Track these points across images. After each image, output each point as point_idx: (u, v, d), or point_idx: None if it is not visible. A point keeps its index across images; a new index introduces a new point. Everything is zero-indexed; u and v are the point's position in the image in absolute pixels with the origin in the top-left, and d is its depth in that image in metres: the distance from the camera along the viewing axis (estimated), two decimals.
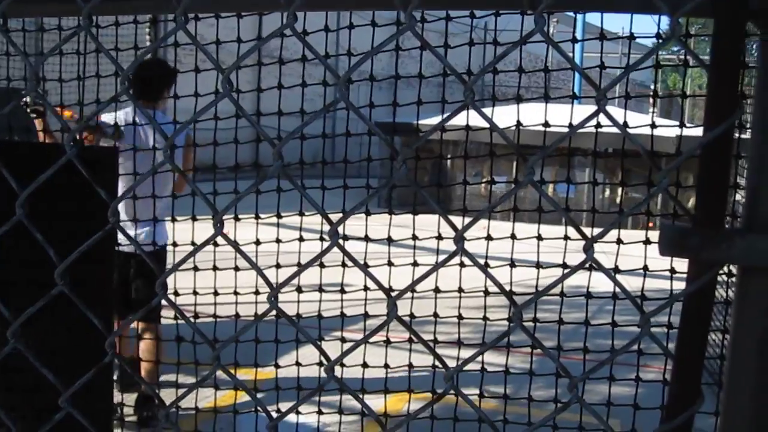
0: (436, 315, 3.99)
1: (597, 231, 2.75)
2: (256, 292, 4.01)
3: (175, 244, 4.42)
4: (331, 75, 0.93)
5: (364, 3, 0.93)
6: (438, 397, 0.89)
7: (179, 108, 4.53)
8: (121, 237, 4.66)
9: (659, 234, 0.78)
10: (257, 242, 4.01)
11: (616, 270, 3.69)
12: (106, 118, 4.75)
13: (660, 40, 5.08)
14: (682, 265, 4.02)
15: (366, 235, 3.92)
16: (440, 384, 4.06)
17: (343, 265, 4.03)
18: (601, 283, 4.09)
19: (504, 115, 4.34)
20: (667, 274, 3.64)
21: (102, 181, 1.08)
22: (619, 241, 3.82)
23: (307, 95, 4.18)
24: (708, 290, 0.80)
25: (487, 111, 4.11)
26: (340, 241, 0.84)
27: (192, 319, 4.33)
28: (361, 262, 3.72)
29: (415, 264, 3.78)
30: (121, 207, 4.59)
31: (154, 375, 4.77)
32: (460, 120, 4.32)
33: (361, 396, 3.92)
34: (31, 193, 1.60)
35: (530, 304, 0.86)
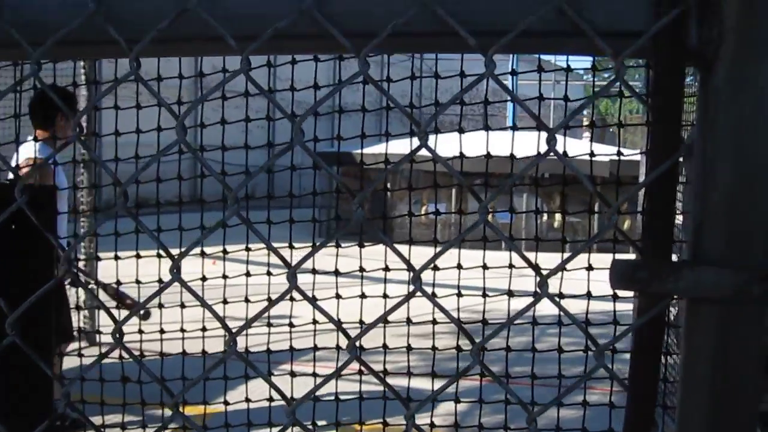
0: (385, 346, 3.99)
1: (541, 256, 2.80)
2: (203, 329, 3.97)
3: (118, 282, 4.34)
4: (277, 109, 0.94)
5: (315, 47, 0.94)
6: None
7: (121, 142, 4.46)
8: None
9: (610, 267, 0.80)
10: (203, 278, 3.96)
11: (561, 295, 3.74)
12: (25, 153, 4.68)
13: (591, 69, 5.20)
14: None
15: (313, 268, 3.91)
16: (391, 413, 4.08)
17: (291, 299, 4.02)
18: (545, 307, 4.17)
19: (445, 144, 4.41)
20: (610, 297, 3.71)
21: (43, 220, 1.07)
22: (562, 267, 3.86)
23: (246, 127, 4.18)
24: (658, 320, 0.82)
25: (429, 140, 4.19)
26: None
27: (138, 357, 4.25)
28: (309, 294, 3.70)
29: (363, 296, 3.78)
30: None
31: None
32: (400, 149, 4.37)
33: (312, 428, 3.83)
34: None
35: (499, 332, 0.88)
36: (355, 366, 3.86)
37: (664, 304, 0.82)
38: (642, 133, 5.98)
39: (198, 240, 0.91)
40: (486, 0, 0.84)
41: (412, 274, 0.82)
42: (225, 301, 3.92)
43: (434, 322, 3.80)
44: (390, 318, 3.60)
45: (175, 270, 0.87)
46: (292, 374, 3.96)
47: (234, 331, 0.87)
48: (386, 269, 3.83)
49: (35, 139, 4.62)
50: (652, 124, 0.80)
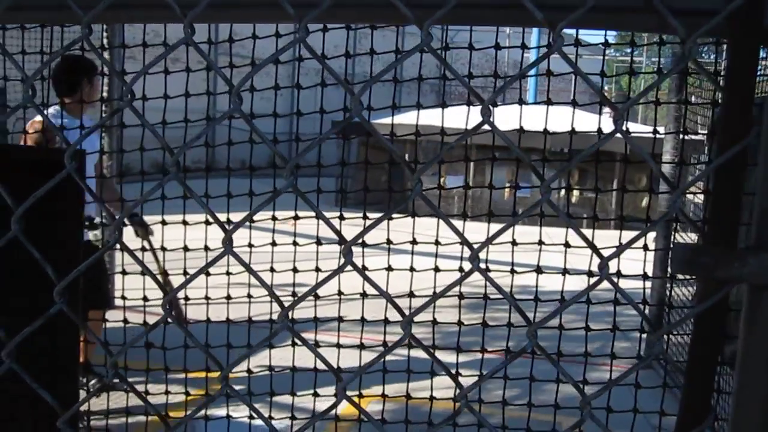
0: (386, 319, 3.97)
1: (559, 231, 2.75)
2: (229, 297, 3.96)
3: (163, 248, 4.34)
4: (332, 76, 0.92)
5: (372, 16, 0.92)
6: (392, 347, 0.89)
7: (149, 106, 4.44)
8: None
9: (672, 252, 0.79)
10: (251, 245, 3.93)
11: (565, 270, 3.72)
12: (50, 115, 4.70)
13: (605, 43, 5.12)
14: (647, 267, 4.00)
15: (341, 236, 3.89)
16: (392, 382, 4.07)
17: (317, 269, 4.01)
18: (548, 282, 4.15)
19: (458, 115, 4.37)
20: (638, 275, 3.68)
21: (72, 182, 1.06)
22: (567, 244, 3.81)
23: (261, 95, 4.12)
24: (719, 307, 0.80)
25: (446, 110, 4.14)
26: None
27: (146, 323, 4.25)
28: (313, 265, 3.63)
29: (389, 269, 3.75)
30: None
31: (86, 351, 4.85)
32: (421, 120, 4.33)
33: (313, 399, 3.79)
34: None
35: (554, 316, 0.86)
36: (378, 337, 3.85)
37: (725, 291, 0.80)
38: (666, 109, 5.90)
39: (254, 211, 0.89)
40: None
41: (469, 252, 0.81)
42: (272, 269, 3.88)
43: (461, 296, 3.77)
44: (392, 291, 3.57)
45: (228, 242, 0.85)
46: (339, 345, 3.92)
47: (286, 305, 0.86)
48: (414, 242, 3.81)
49: (61, 105, 4.67)
50: (722, 105, 0.78)
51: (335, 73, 0.88)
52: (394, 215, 3.80)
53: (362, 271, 0.85)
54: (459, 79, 0.84)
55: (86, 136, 1.02)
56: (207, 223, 4.02)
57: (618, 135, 0.83)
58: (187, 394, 4.14)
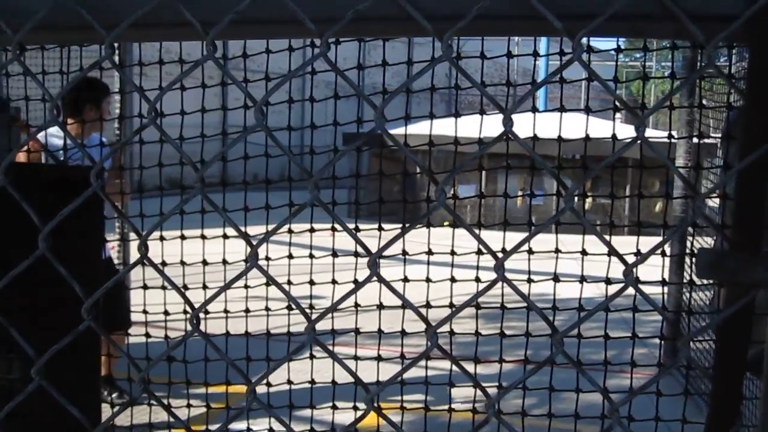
0: (403, 331, 3.97)
1: (575, 238, 2.73)
2: (226, 311, 3.98)
3: (183, 263, 4.36)
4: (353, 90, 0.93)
5: (392, 30, 0.92)
6: (418, 358, 0.89)
7: (166, 123, 4.48)
8: None
9: (696, 257, 0.79)
10: (268, 257, 3.93)
11: (583, 279, 3.70)
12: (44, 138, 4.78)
13: (617, 49, 5.10)
14: (651, 271, 4.00)
15: (356, 251, 3.90)
16: (410, 394, 4.07)
17: (334, 281, 4.02)
18: (566, 291, 4.13)
19: (470, 125, 4.37)
20: (656, 281, 3.66)
21: (93, 201, 1.07)
22: (583, 252, 3.80)
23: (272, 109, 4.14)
24: (746, 311, 0.81)
25: (453, 121, 4.14)
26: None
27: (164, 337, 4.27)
28: (329, 277, 3.63)
29: (406, 279, 3.75)
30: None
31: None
32: (431, 130, 4.33)
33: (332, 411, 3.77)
34: (18, 216, 1.57)
35: (584, 320, 0.86)
36: (395, 349, 3.83)
37: (752, 295, 0.80)
38: (677, 113, 5.87)
39: (283, 222, 0.90)
40: None
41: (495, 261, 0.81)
42: (289, 282, 3.88)
43: (478, 306, 3.76)
44: (433, 302, 3.54)
45: (254, 257, 0.86)
46: (357, 358, 3.92)
47: (313, 317, 0.86)
48: (429, 252, 3.81)
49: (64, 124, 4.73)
50: (744, 110, 0.78)
51: (356, 87, 0.88)
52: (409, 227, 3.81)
53: (388, 283, 0.86)
54: (480, 90, 0.85)
55: (109, 156, 1.03)
56: (225, 237, 4.05)
57: (623, 139, 0.83)
58: (208, 407, 4.14)
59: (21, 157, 4.58)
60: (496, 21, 0.85)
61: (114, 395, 4.99)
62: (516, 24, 0.86)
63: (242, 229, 0.98)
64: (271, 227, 3.23)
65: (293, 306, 4.08)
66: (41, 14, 0.97)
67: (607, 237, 0.89)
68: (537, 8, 0.80)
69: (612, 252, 0.88)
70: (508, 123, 0.80)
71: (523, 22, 0.85)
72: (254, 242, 0.87)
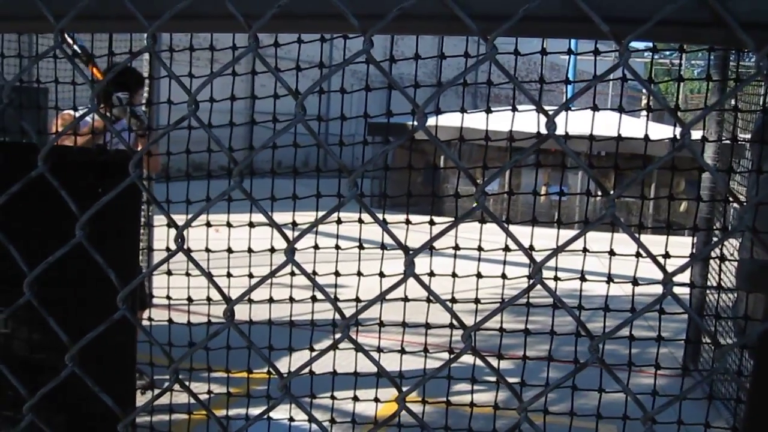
0: (427, 323, 3.97)
1: (597, 236, 2.71)
2: (250, 300, 3.98)
3: (207, 249, 4.37)
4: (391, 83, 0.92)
5: (437, 28, 0.92)
6: (454, 358, 0.89)
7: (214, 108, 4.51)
8: None
9: (737, 267, 0.78)
10: (272, 249, 3.95)
11: (610, 278, 3.69)
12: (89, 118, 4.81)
13: (653, 49, 5.07)
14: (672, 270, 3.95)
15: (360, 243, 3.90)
16: (431, 386, 4.07)
17: (336, 273, 4.02)
18: (598, 288, 4.11)
19: (498, 119, 4.36)
20: (659, 280, 3.63)
21: (134, 186, 1.07)
22: (611, 252, 3.78)
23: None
24: None
25: (482, 115, 4.13)
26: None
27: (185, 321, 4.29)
28: (355, 267, 3.63)
29: (432, 274, 3.75)
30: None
31: None
32: (455, 122, 4.30)
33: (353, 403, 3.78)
34: (52, 197, 1.57)
35: (625, 326, 0.86)
36: (419, 340, 3.83)
37: None
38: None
39: (320, 219, 0.90)
40: None
41: (533, 265, 0.81)
42: (337, 273, 3.89)
43: (502, 301, 3.76)
44: (458, 296, 3.53)
45: (291, 252, 0.86)
46: (380, 350, 3.92)
47: (347, 316, 0.86)
48: (456, 247, 3.80)
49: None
50: None
51: (398, 84, 0.88)
52: (436, 219, 3.83)
53: (425, 284, 0.85)
54: (525, 93, 0.84)
55: (152, 144, 1.03)
56: (251, 225, 4.06)
57: (657, 138, 0.82)
58: (228, 394, 4.17)
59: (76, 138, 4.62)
60: (541, 22, 0.84)
61: (139, 381, 5.02)
62: (562, 26, 0.85)
63: (271, 217, 0.98)
64: (297, 216, 3.24)
65: (317, 297, 4.06)
66: (84, 2, 0.97)
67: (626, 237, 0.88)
68: (584, 10, 0.80)
69: (652, 259, 0.87)
70: (552, 127, 0.80)
71: (569, 24, 0.84)
72: (291, 237, 0.87)
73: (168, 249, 4.72)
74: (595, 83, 0.87)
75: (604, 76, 0.83)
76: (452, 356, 0.85)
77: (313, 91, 0.86)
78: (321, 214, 3.50)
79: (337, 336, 0.90)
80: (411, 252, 0.82)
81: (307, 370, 3.80)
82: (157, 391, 4.89)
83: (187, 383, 4.18)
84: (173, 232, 0.98)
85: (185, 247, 0.93)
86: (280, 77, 0.86)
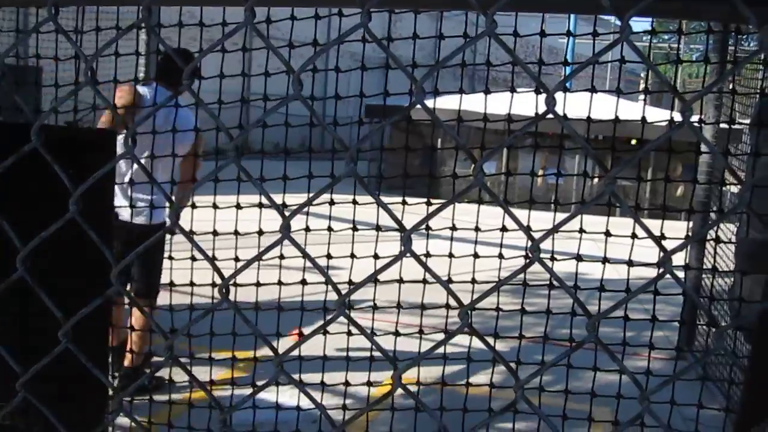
0: (423, 305, 3.97)
1: (593, 219, 2.70)
2: (257, 284, 3.98)
3: (215, 233, 4.32)
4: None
5: (435, 2, 0.91)
6: (451, 335, 0.88)
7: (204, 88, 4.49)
8: (122, 212, 4.71)
9: (736, 246, 0.78)
10: (307, 228, 3.91)
11: (606, 260, 3.69)
12: (141, 90, 4.83)
13: (652, 31, 5.04)
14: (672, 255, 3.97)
15: (354, 224, 3.88)
16: (426, 368, 4.06)
17: (328, 256, 4.00)
18: (593, 270, 4.11)
19: (497, 101, 4.34)
20: (655, 263, 3.64)
21: (98, 162, 1.06)
22: (607, 233, 3.78)
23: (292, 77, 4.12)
24: None
25: (480, 98, 4.11)
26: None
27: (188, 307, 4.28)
28: (349, 249, 3.61)
29: (428, 255, 3.74)
30: (120, 187, 4.66)
31: (146, 345, 4.89)
32: (450, 104, 4.27)
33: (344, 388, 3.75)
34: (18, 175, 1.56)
35: (620, 306, 0.85)
36: (413, 321, 3.83)
37: None
38: (703, 97, 5.80)
39: (312, 198, 0.89)
40: None
41: (530, 242, 0.80)
42: (329, 256, 3.86)
43: (499, 281, 3.75)
44: (455, 277, 3.53)
45: (287, 229, 0.85)
46: (373, 332, 3.91)
47: (344, 293, 0.86)
48: (453, 228, 3.80)
49: (156, 83, 4.83)
50: None
51: (399, 60, 0.87)
52: (433, 201, 3.82)
53: (421, 259, 0.85)
54: (526, 70, 0.83)
55: (143, 121, 1.02)
56: (260, 206, 4.02)
57: (653, 122, 0.81)
58: (233, 382, 4.16)
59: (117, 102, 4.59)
60: None
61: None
62: (568, 2, 0.84)
63: (257, 198, 0.98)
64: (288, 197, 3.22)
65: (307, 280, 4.01)
66: None
67: (625, 220, 0.88)
68: None
69: (650, 236, 0.87)
70: (551, 103, 0.79)
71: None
72: (287, 213, 0.86)
73: (215, 233, 4.67)
74: (594, 60, 0.86)
75: (603, 52, 0.82)
76: (448, 334, 0.84)
77: (310, 66, 0.85)
78: (312, 196, 3.48)
79: (332, 315, 0.89)
80: (408, 229, 0.82)
81: (296, 352, 3.82)
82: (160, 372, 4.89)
83: (188, 366, 4.20)
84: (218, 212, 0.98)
85: (186, 227, 0.92)
86: (276, 50, 0.85)
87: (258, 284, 3.98)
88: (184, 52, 4.88)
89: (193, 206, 4.00)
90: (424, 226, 3.88)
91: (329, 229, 4.07)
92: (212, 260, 0.97)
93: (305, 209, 0.94)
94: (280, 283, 3.98)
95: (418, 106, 0.87)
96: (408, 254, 0.83)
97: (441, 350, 3.73)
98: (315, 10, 3.84)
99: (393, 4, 0.72)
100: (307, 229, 3.96)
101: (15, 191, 2.44)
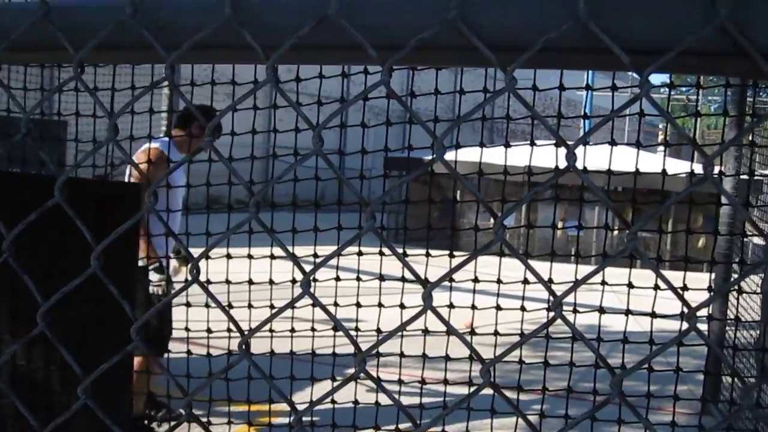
0: (447, 356, 3.95)
1: (615, 271, 2.69)
2: (271, 330, 3.99)
3: (251, 281, 4.35)
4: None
5: (456, 59, 0.91)
6: (473, 393, 0.87)
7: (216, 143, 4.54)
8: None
9: (762, 299, 0.77)
10: (314, 279, 3.94)
11: (628, 311, 3.66)
12: (160, 145, 4.90)
13: (670, 85, 5.05)
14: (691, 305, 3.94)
15: (380, 274, 3.90)
16: (450, 417, 4.02)
17: (357, 304, 4.03)
18: (615, 322, 4.08)
19: (516, 154, 4.36)
20: (677, 314, 3.61)
21: (125, 216, 1.06)
22: (630, 285, 3.76)
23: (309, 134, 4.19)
24: None
25: (499, 150, 4.13)
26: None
27: (205, 353, 4.29)
28: (376, 300, 3.65)
29: (451, 306, 3.73)
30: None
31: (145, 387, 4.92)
32: (470, 157, 4.29)
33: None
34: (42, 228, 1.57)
35: (643, 365, 0.84)
36: (438, 375, 3.80)
37: None
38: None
39: (338, 249, 0.89)
40: (643, 18, 0.80)
41: (552, 298, 0.80)
42: (336, 304, 3.89)
43: (522, 334, 3.74)
44: (478, 329, 3.51)
45: (306, 284, 0.85)
46: (400, 381, 3.90)
47: (363, 349, 0.85)
48: (475, 280, 3.79)
49: (169, 137, 4.89)
50: None
51: (418, 116, 0.87)
52: (455, 253, 3.81)
53: (442, 316, 0.84)
54: (544, 124, 0.83)
55: (171, 172, 1.03)
56: (272, 257, 4.05)
57: (674, 173, 0.81)
58: (250, 424, 4.16)
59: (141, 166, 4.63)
60: (560, 53, 0.84)
61: (156, 412, 5.00)
62: (581, 57, 0.84)
63: (289, 250, 0.98)
64: (319, 249, 3.25)
65: (339, 329, 4.07)
66: (104, 33, 0.98)
67: (647, 272, 0.87)
68: (604, 41, 0.79)
69: (672, 291, 0.86)
70: (572, 158, 0.79)
71: (589, 55, 0.83)
72: (306, 268, 0.86)
73: (250, 281, 4.72)
74: (614, 116, 0.86)
75: (623, 108, 0.82)
76: (471, 391, 0.83)
77: (330, 121, 0.86)
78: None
79: (353, 370, 0.88)
80: (429, 284, 0.81)
81: (328, 401, 3.81)
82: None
83: (204, 417, 4.18)
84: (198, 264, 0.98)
85: (201, 278, 0.92)
86: (297, 108, 0.86)
87: (272, 332, 4.00)
88: (206, 109, 4.97)
89: (208, 258, 4.02)
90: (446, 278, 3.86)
91: (358, 279, 4.12)
92: (228, 313, 0.97)
93: (312, 258, 0.94)
94: (313, 329, 4.01)
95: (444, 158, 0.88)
96: (408, 303, 0.82)
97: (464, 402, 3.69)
98: (342, 68, 3.89)
99: (412, 61, 0.73)
100: (338, 279, 4.00)
101: (45, 243, 2.47)
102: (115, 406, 2.54)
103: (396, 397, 0.90)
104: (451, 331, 0.88)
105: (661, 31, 0.79)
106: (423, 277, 0.85)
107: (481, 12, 0.84)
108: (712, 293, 3.60)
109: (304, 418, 0.90)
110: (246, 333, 0.88)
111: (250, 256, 4.10)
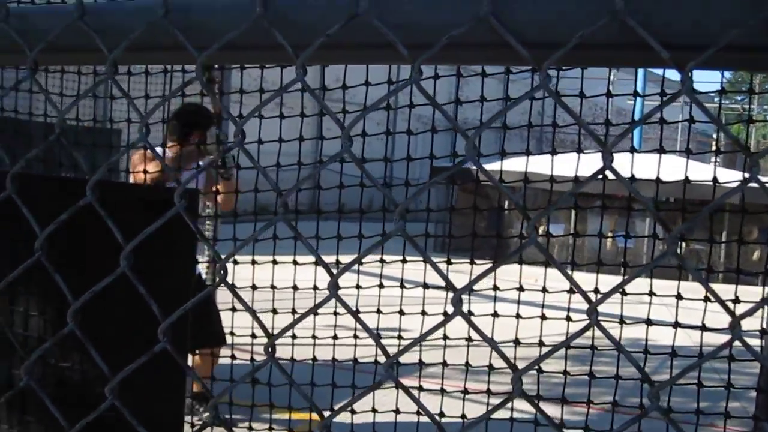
0: (490, 366, 3.90)
1: (662, 283, 2.62)
2: (314, 336, 3.99)
3: (273, 287, 4.37)
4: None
5: (488, 57, 0.89)
6: (502, 403, 0.83)
7: (264, 150, 4.57)
8: None
9: None
10: (359, 286, 3.96)
11: (677, 324, 3.57)
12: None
13: (722, 90, 4.95)
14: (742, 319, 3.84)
15: (424, 282, 3.88)
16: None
17: (401, 312, 4.00)
18: (664, 336, 3.98)
19: (564, 163, 4.29)
20: (727, 328, 3.51)
21: (184, 222, 1.06)
22: (678, 296, 3.67)
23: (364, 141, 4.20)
24: None
25: (547, 159, 4.07)
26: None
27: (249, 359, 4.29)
28: (419, 309, 3.62)
29: (495, 315, 3.69)
30: None
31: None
32: (518, 167, 4.24)
33: None
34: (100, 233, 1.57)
35: (684, 375, 0.80)
36: (482, 387, 3.76)
37: None
38: None
39: (362, 254, 0.87)
40: (684, 11, 0.77)
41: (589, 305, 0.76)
42: (379, 311, 3.87)
43: (568, 346, 3.68)
44: (522, 340, 3.46)
45: (334, 287, 0.83)
46: (443, 391, 3.88)
47: (392, 354, 0.83)
48: (520, 289, 3.75)
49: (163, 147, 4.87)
50: None
51: (451, 117, 0.85)
52: (476, 261, 3.77)
53: (471, 321, 0.81)
54: (583, 126, 0.80)
55: (197, 175, 1.02)
56: (316, 264, 4.04)
57: (725, 182, 0.77)
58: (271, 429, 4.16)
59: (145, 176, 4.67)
60: (597, 50, 0.81)
61: (206, 414, 5.04)
62: (619, 53, 0.81)
63: (334, 257, 0.96)
64: (346, 257, 3.23)
65: (361, 336, 4.02)
66: (136, 33, 0.97)
67: (695, 284, 0.83)
68: (643, 37, 0.76)
69: (719, 302, 0.82)
70: (608, 159, 0.76)
71: (627, 51, 0.80)
72: (334, 272, 0.84)
73: (273, 287, 4.72)
74: (639, 122, 0.82)
75: (664, 105, 0.79)
76: (502, 401, 0.81)
77: (356, 123, 0.84)
78: (385, 256, 3.47)
79: (385, 379, 0.86)
80: (459, 289, 0.79)
81: (369, 408, 3.78)
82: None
83: (245, 422, 4.18)
84: (235, 268, 0.97)
85: (229, 281, 0.91)
86: (326, 106, 0.84)
87: (294, 338, 4.02)
88: (197, 108, 4.97)
89: (235, 262, 4.06)
90: (491, 287, 3.84)
91: (401, 286, 4.10)
92: (255, 314, 0.96)
93: (362, 267, 0.92)
94: (335, 337, 3.99)
95: (487, 167, 0.85)
96: (459, 315, 0.80)
97: (507, 415, 3.64)
98: (388, 76, 3.88)
99: (443, 60, 0.71)
100: (381, 286, 4.00)
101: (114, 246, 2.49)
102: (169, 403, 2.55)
103: (425, 406, 0.87)
104: (483, 337, 0.85)
105: (703, 25, 0.76)
106: (448, 279, 0.82)
107: (514, 8, 0.81)
108: (758, 302, 3.49)
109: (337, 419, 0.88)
110: (272, 336, 0.86)
111: (295, 263, 4.11)
